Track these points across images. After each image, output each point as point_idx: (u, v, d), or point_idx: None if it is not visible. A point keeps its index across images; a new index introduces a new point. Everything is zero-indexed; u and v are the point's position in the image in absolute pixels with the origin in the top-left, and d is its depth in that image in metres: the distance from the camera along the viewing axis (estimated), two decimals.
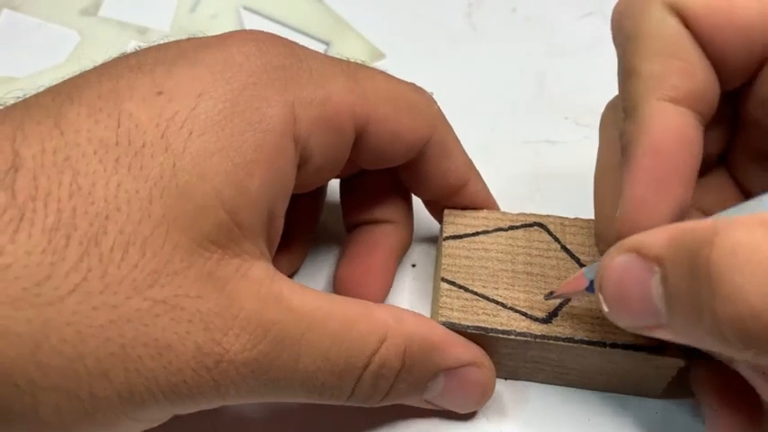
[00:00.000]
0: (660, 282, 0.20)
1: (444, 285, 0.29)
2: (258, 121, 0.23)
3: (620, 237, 0.23)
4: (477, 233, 0.31)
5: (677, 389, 0.28)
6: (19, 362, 0.18)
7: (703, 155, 0.24)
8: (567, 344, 0.27)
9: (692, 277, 0.19)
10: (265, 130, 0.23)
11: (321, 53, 0.27)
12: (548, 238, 0.30)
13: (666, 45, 0.23)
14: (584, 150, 0.39)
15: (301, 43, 0.26)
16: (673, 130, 0.23)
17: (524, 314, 0.28)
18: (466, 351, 0.27)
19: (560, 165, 0.39)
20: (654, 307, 0.21)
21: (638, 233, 0.22)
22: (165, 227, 0.20)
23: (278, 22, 0.48)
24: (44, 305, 0.19)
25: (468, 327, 0.27)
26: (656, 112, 0.23)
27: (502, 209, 0.32)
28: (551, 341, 0.27)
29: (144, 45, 0.24)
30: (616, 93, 0.29)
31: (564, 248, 0.30)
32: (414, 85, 0.29)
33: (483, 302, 0.28)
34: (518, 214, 0.31)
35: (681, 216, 0.23)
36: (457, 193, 0.31)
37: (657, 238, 0.21)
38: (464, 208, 0.32)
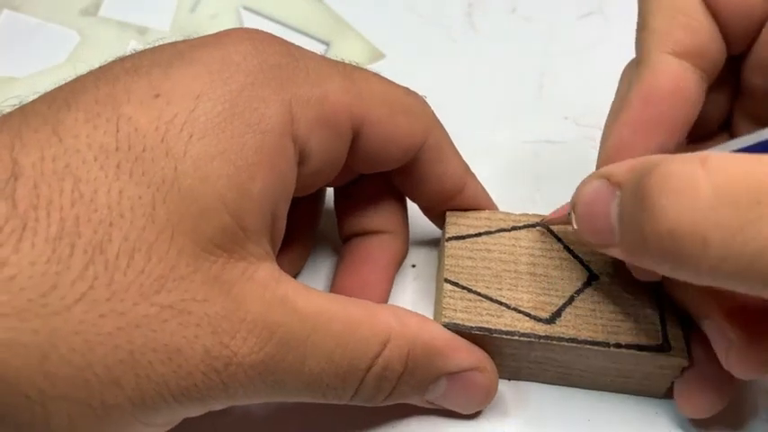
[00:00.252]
0: (618, 204, 0.22)
1: (447, 286, 0.29)
2: (257, 122, 0.22)
3: None
4: (479, 234, 0.31)
5: None
6: (27, 373, 0.18)
7: (707, 119, 0.26)
8: (570, 344, 0.27)
9: (634, 199, 0.21)
10: (264, 130, 0.23)
11: (316, 53, 0.27)
12: (550, 238, 0.30)
13: (674, 3, 0.25)
14: (585, 150, 0.39)
15: (301, 43, 0.26)
16: (668, 80, 0.25)
17: (528, 315, 0.28)
18: (469, 355, 0.27)
19: (560, 165, 0.39)
20: (611, 225, 0.23)
21: None
22: (170, 232, 0.20)
23: (278, 22, 0.48)
24: (50, 315, 0.18)
25: (472, 327, 0.27)
26: (656, 63, 0.25)
27: (502, 209, 0.32)
28: (555, 342, 0.27)
29: (144, 45, 0.24)
30: (615, 93, 0.29)
31: (567, 249, 0.30)
32: (408, 88, 0.29)
33: (486, 303, 0.28)
34: (521, 215, 0.31)
35: None
36: (454, 197, 0.31)
37: (622, 166, 0.23)
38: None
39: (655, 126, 0.25)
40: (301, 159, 0.25)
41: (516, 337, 0.27)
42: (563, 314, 0.28)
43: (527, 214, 0.31)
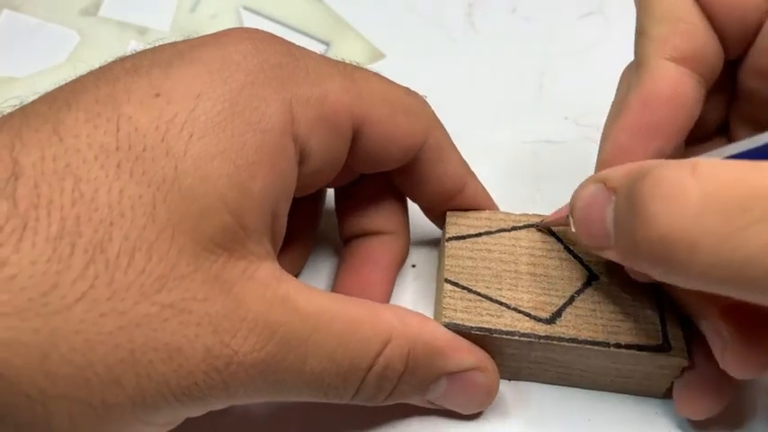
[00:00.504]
0: (613, 208, 0.23)
1: (448, 286, 0.29)
2: (257, 121, 0.22)
3: None
4: (479, 234, 0.31)
5: None
6: (28, 372, 0.18)
7: (704, 122, 0.27)
8: (570, 344, 0.27)
9: (627, 204, 0.21)
10: (265, 129, 0.23)
11: (316, 53, 0.27)
12: (550, 238, 0.30)
13: (672, 9, 0.25)
14: (585, 150, 0.39)
15: (301, 43, 0.26)
16: (666, 85, 0.25)
17: (528, 315, 0.28)
18: (470, 355, 0.27)
19: (560, 165, 0.39)
20: (607, 229, 0.23)
21: None
22: (171, 231, 0.20)
23: (278, 22, 0.48)
24: (51, 314, 0.18)
25: (472, 328, 0.27)
26: (655, 69, 0.25)
27: (502, 209, 0.32)
28: (555, 342, 0.27)
29: (144, 45, 0.24)
30: (615, 93, 0.29)
31: (567, 249, 0.30)
32: (408, 88, 0.29)
33: (486, 303, 0.28)
34: (520, 215, 0.31)
35: None
36: (455, 197, 0.31)
37: (618, 171, 0.23)
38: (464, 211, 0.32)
39: (652, 131, 0.26)
40: (301, 159, 0.25)
41: (516, 338, 0.27)
42: (563, 314, 0.28)
43: (527, 214, 0.31)
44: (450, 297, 0.28)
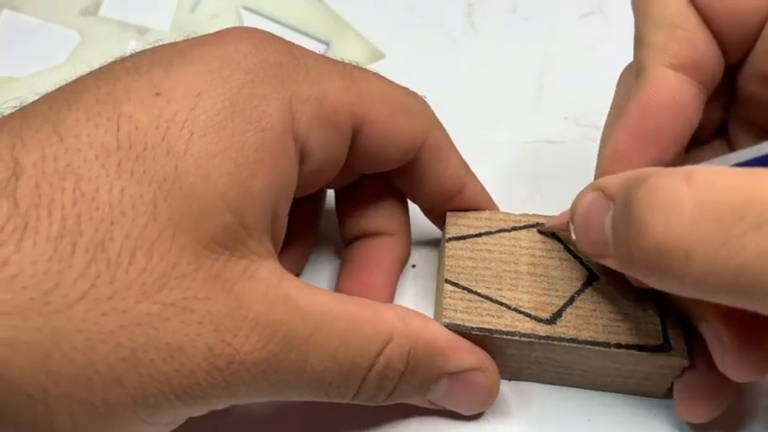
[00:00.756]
0: (611, 216, 0.23)
1: (448, 287, 0.29)
2: (258, 119, 0.23)
3: None
4: (479, 234, 0.31)
5: None
6: (30, 371, 0.18)
7: (703, 125, 0.26)
8: (571, 344, 0.27)
9: (623, 212, 0.21)
10: (265, 128, 0.23)
11: (316, 52, 0.27)
12: (551, 238, 0.30)
13: (671, 16, 0.25)
14: (585, 150, 0.39)
15: (301, 43, 0.26)
16: (665, 93, 0.25)
17: (528, 315, 0.28)
18: (470, 356, 0.27)
19: (560, 165, 0.39)
20: (606, 237, 0.23)
21: None
22: (172, 230, 0.20)
23: (278, 22, 0.48)
24: (53, 314, 0.18)
25: (473, 328, 0.27)
26: (654, 76, 0.25)
27: (502, 209, 0.32)
28: (556, 342, 0.27)
29: (144, 45, 0.24)
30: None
31: (567, 249, 0.30)
32: (407, 89, 0.29)
33: (487, 304, 0.28)
34: (521, 215, 0.31)
35: None
36: (455, 197, 0.31)
37: (616, 179, 0.23)
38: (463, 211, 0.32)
39: (651, 139, 0.25)
40: (302, 157, 0.25)
41: (517, 338, 0.27)
42: (563, 314, 0.28)
43: (527, 214, 0.31)
44: (450, 297, 0.28)
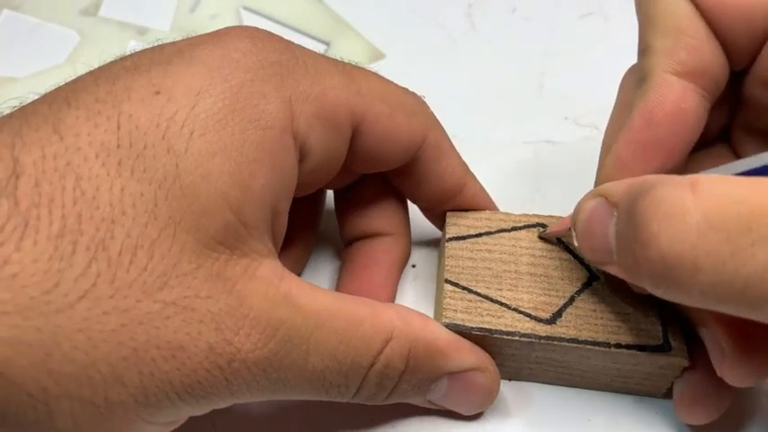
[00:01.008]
0: (615, 223, 0.23)
1: (448, 287, 0.29)
2: (258, 118, 0.23)
3: None
4: (479, 234, 0.31)
5: None
6: (31, 371, 0.18)
7: (706, 129, 0.26)
8: (571, 344, 0.27)
9: (628, 222, 0.21)
10: (265, 127, 0.23)
11: (315, 51, 0.27)
12: (551, 238, 0.30)
13: (677, 23, 0.25)
14: (585, 150, 0.39)
15: (301, 43, 0.26)
16: (670, 101, 0.25)
17: (528, 315, 0.28)
18: (470, 355, 0.27)
19: (560, 165, 0.39)
20: (609, 244, 0.23)
21: None
22: (172, 229, 0.20)
23: (278, 21, 0.48)
24: (53, 313, 0.18)
25: (473, 328, 0.27)
26: (659, 84, 0.25)
27: (502, 209, 0.32)
28: (556, 342, 0.27)
29: (144, 45, 0.24)
30: (616, 93, 0.29)
31: (567, 249, 0.30)
32: (406, 88, 0.29)
33: (487, 304, 0.28)
34: (521, 215, 0.31)
35: None
36: (454, 197, 0.31)
37: (620, 186, 0.23)
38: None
39: (655, 147, 0.25)
40: (301, 156, 0.25)
41: (517, 338, 0.27)
42: (564, 314, 0.28)
43: (527, 214, 0.31)
44: (450, 297, 0.28)
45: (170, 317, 0.20)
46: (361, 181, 0.32)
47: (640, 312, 0.28)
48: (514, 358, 0.28)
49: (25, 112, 0.21)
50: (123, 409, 0.20)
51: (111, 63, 0.23)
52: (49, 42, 0.46)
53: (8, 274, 0.18)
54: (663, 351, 0.26)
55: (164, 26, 0.47)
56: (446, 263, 0.30)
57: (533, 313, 0.28)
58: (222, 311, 0.21)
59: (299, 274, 0.34)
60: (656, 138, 0.25)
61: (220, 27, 0.25)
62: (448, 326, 0.27)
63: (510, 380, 0.30)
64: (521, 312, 0.28)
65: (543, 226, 0.31)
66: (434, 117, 0.30)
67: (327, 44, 0.47)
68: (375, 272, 0.32)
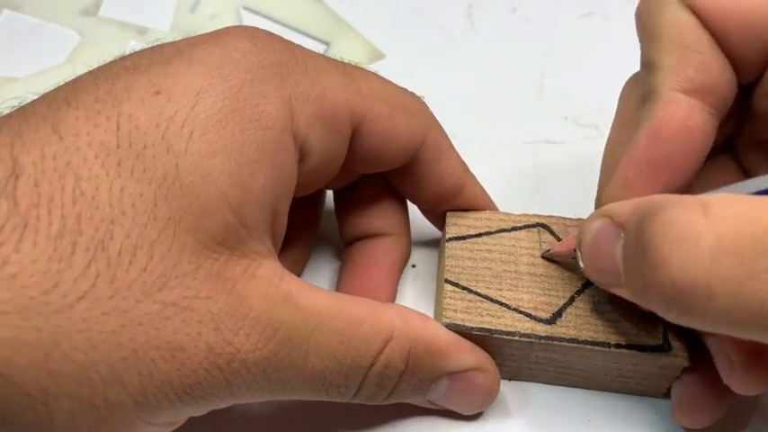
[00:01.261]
0: (622, 245, 0.22)
1: (448, 287, 0.29)
2: (258, 118, 0.22)
3: None
4: (479, 234, 0.31)
5: None
6: (30, 371, 0.18)
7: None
8: (571, 345, 0.27)
9: (637, 245, 0.21)
10: (265, 127, 0.23)
11: (315, 52, 0.27)
12: (550, 238, 0.30)
13: (683, 39, 0.24)
14: (585, 150, 0.39)
15: (301, 43, 0.26)
16: (676, 119, 0.24)
17: (528, 315, 0.28)
18: (470, 355, 0.27)
19: (560, 165, 0.39)
20: (616, 266, 0.23)
21: None
22: (172, 229, 0.20)
23: (278, 22, 0.48)
24: (53, 313, 0.18)
25: (473, 328, 0.27)
26: (665, 102, 0.25)
27: (502, 209, 0.32)
28: (556, 342, 0.27)
29: (144, 45, 0.24)
30: (616, 93, 0.29)
31: None
32: (406, 89, 0.29)
33: (487, 303, 0.28)
34: (521, 215, 0.31)
35: None
36: (454, 198, 0.31)
37: (626, 207, 0.23)
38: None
39: (662, 167, 0.25)
40: (301, 156, 0.25)
41: (517, 338, 0.27)
42: (564, 314, 0.28)
43: (527, 214, 0.31)
44: (450, 297, 0.28)
45: (170, 317, 0.20)
46: (361, 181, 0.32)
47: (640, 312, 0.28)
48: (514, 358, 0.28)
49: (25, 112, 0.21)
50: (123, 410, 0.20)
51: (111, 63, 0.23)
52: (49, 42, 0.46)
53: (7, 274, 0.18)
54: (663, 351, 0.26)
55: (164, 26, 0.47)
56: (446, 263, 0.30)
57: (533, 313, 0.28)
58: (222, 312, 0.21)
59: (299, 275, 0.34)
60: (662, 157, 0.25)
61: (220, 27, 0.25)
62: (448, 326, 0.27)
63: (510, 380, 0.30)
64: (521, 312, 0.28)
65: (543, 226, 0.31)
66: (434, 117, 0.30)
67: (327, 44, 0.47)
68: (375, 272, 0.32)
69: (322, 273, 0.35)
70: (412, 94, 0.29)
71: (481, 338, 0.27)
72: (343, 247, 0.33)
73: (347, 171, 0.29)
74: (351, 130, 0.26)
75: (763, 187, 0.21)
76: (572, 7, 0.49)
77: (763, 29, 0.24)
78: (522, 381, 0.30)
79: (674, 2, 0.25)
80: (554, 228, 0.31)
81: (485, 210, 0.32)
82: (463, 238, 0.31)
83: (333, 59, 0.27)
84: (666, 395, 0.29)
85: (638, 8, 0.27)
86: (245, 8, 0.48)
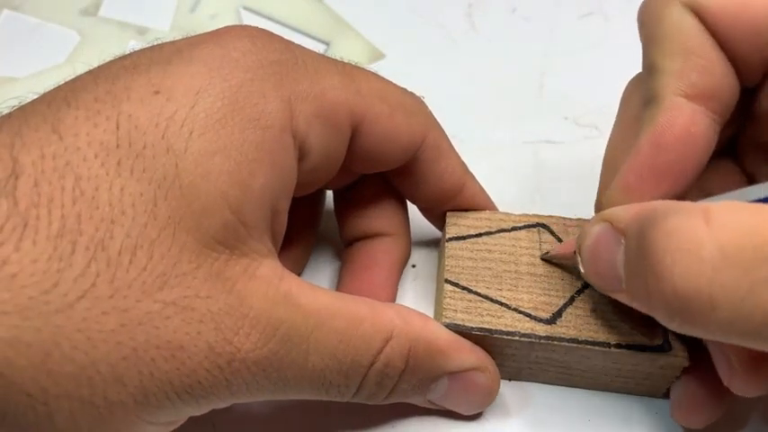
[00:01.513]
0: (623, 251, 0.22)
1: (448, 287, 0.29)
2: (257, 117, 0.22)
3: None
4: (479, 234, 0.31)
5: None
6: (30, 371, 0.18)
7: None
8: (571, 345, 0.27)
9: (638, 253, 0.21)
10: (265, 126, 0.23)
11: (315, 51, 0.27)
12: (550, 238, 0.30)
13: (686, 43, 0.24)
14: (585, 150, 0.39)
15: (301, 43, 0.26)
16: (679, 125, 0.24)
17: (528, 315, 0.28)
18: (470, 355, 0.27)
19: (560, 165, 0.39)
20: (617, 272, 0.23)
21: None
22: (172, 229, 0.20)
23: (278, 22, 0.48)
24: (53, 313, 0.18)
25: (473, 328, 0.27)
26: (668, 108, 0.24)
27: (502, 209, 0.32)
28: (556, 342, 0.27)
29: (143, 45, 0.24)
30: (616, 93, 0.29)
31: None
32: (405, 89, 0.29)
33: (487, 303, 0.28)
34: (521, 215, 0.31)
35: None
36: (454, 198, 0.31)
37: (627, 212, 0.23)
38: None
39: (663, 172, 0.25)
40: (301, 155, 0.25)
41: (517, 338, 0.27)
42: (564, 314, 0.28)
43: (527, 214, 0.31)
44: (450, 297, 0.28)
45: (170, 317, 0.20)
46: (361, 181, 0.32)
47: (640, 313, 0.27)
48: (514, 358, 0.28)
49: (24, 112, 0.21)
50: (123, 409, 0.20)
51: (111, 62, 0.23)
52: (49, 42, 0.46)
53: (7, 274, 0.18)
54: (663, 351, 0.26)
55: (164, 26, 0.47)
56: (446, 263, 0.30)
57: (533, 313, 0.28)
58: (222, 311, 0.21)
59: (299, 275, 0.34)
60: (664, 163, 0.24)
61: (220, 27, 0.25)
62: (448, 326, 0.27)
63: (510, 380, 0.30)
64: (521, 312, 0.28)
65: (543, 226, 0.31)
66: (433, 117, 0.30)
67: (327, 44, 0.47)
68: (375, 272, 0.32)
69: (322, 273, 0.35)
70: (412, 94, 0.29)
71: (481, 338, 0.27)
72: (344, 247, 0.33)
73: (347, 171, 0.29)
74: (350, 130, 0.26)
75: (763, 195, 0.21)
76: (572, 7, 0.49)
77: (766, 32, 0.24)
78: (522, 381, 0.30)
79: (677, 5, 0.24)
80: (554, 228, 0.31)
81: (485, 210, 0.32)
82: (463, 238, 0.31)
83: (333, 59, 0.27)
84: (666, 395, 0.29)
85: (640, 11, 0.27)
86: (245, 8, 0.48)
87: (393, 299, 0.32)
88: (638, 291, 0.21)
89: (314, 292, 0.23)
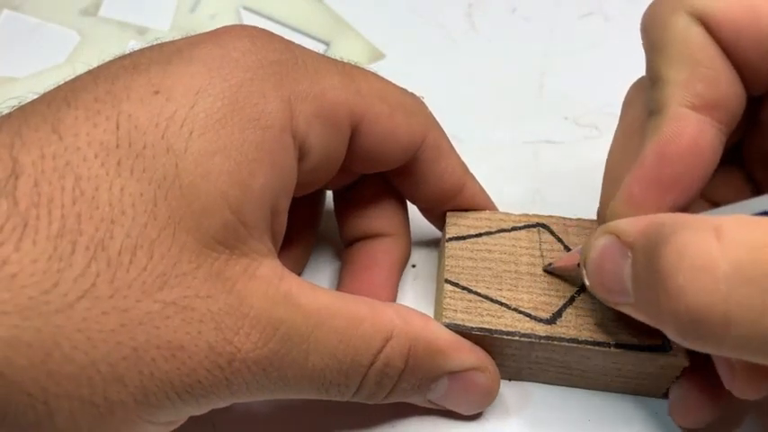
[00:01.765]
0: (631, 265, 0.22)
1: (448, 287, 0.29)
2: (257, 117, 0.22)
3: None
4: (479, 234, 0.31)
5: None
6: (30, 371, 0.18)
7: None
8: (571, 345, 0.27)
9: (649, 268, 0.20)
10: (265, 126, 0.23)
11: (315, 51, 0.27)
12: (550, 238, 0.30)
13: (692, 53, 0.24)
14: (585, 150, 0.39)
15: (301, 43, 0.26)
16: (685, 137, 0.24)
17: (528, 315, 0.28)
18: (470, 355, 0.27)
19: (560, 165, 0.39)
20: (624, 286, 0.23)
21: None
22: (172, 228, 0.20)
23: (278, 21, 0.48)
24: (53, 313, 0.18)
25: (473, 328, 0.27)
26: (674, 118, 0.24)
27: (502, 209, 0.32)
28: (556, 342, 0.27)
29: (143, 45, 0.24)
30: (616, 93, 0.29)
31: (567, 249, 0.30)
32: (405, 89, 0.29)
33: (487, 303, 0.28)
34: (521, 215, 0.31)
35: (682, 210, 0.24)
36: (453, 198, 0.31)
37: (635, 226, 0.22)
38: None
39: (669, 184, 0.24)
40: (301, 155, 0.25)
41: (517, 338, 0.27)
42: (563, 314, 0.28)
43: (527, 214, 0.31)
44: (450, 297, 0.28)
45: (170, 317, 0.20)
46: (361, 181, 0.32)
47: None
48: (514, 358, 0.28)
49: (24, 112, 0.21)
50: (123, 409, 0.20)
51: (110, 62, 0.23)
52: (49, 42, 0.46)
53: (7, 274, 0.18)
54: (663, 351, 0.26)
55: (163, 26, 0.47)
56: (446, 263, 0.30)
57: (533, 313, 0.28)
58: (222, 311, 0.21)
59: (299, 275, 0.34)
60: (670, 174, 0.24)
61: (220, 27, 0.25)
62: (448, 326, 0.27)
63: (510, 380, 0.30)
64: (521, 312, 0.28)
65: (543, 226, 0.31)
66: (433, 117, 0.30)
67: (327, 44, 0.47)
68: (375, 272, 0.32)
69: (322, 273, 0.35)
70: (412, 94, 0.29)
71: (481, 338, 0.27)
72: (344, 247, 0.33)
73: (347, 171, 0.29)
74: (350, 130, 0.26)
75: None
76: (572, 7, 0.49)
77: None
78: (522, 381, 0.30)
79: (682, 13, 0.24)
80: (554, 228, 0.31)
81: (485, 210, 0.32)
82: (463, 238, 0.31)
83: (332, 59, 0.27)
84: (666, 395, 0.29)
85: (643, 19, 0.26)
86: (245, 8, 0.49)
87: (393, 299, 0.32)
88: (647, 306, 0.21)
89: (314, 291, 0.23)
